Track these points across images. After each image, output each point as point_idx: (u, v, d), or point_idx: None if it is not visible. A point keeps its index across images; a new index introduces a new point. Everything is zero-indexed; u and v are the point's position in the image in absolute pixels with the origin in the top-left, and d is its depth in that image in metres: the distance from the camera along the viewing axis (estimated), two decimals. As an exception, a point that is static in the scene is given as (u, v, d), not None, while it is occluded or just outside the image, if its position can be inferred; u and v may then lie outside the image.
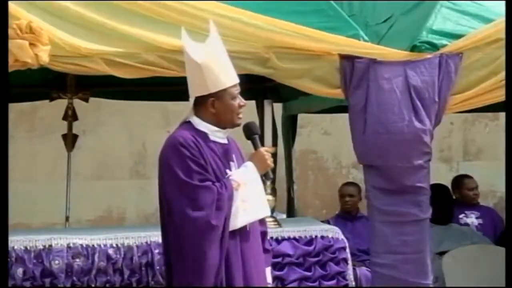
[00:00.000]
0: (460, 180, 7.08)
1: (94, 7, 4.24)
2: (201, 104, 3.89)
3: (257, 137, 3.96)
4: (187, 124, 3.92)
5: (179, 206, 3.73)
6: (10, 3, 4.08)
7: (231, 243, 3.80)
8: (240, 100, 3.91)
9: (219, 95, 3.88)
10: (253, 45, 4.36)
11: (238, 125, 3.93)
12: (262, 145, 4.07)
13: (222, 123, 3.91)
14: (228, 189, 3.77)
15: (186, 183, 3.72)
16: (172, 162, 3.77)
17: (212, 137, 3.89)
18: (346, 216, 6.75)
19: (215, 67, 3.87)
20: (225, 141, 3.95)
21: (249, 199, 3.82)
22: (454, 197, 6.91)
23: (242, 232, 3.85)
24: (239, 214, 3.79)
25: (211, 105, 3.89)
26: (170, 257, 3.83)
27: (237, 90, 3.92)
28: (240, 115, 3.91)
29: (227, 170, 3.86)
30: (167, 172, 3.79)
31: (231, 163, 3.90)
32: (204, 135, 3.87)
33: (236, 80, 3.92)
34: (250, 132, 3.98)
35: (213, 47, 3.89)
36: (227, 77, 3.89)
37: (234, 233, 3.81)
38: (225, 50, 3.91)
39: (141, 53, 4.30)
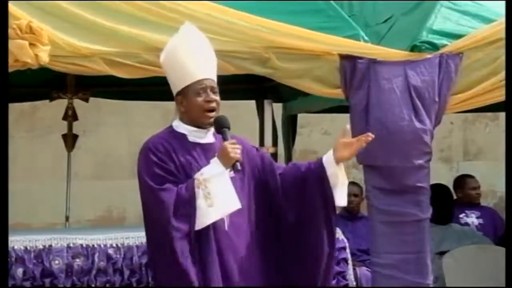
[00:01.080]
0: (462, 180, 7.11)
1: (94, 7, 4.24)
2: (176, 105, 3.92)
3: (226, 130, 3.83)
4: (168, 127, 3.94)
5: (144, 210, 3.84)
6: (10, 3, 4.08)
7: (204, 242, 3.75)
8: (206, 96, 3.84)
9: (184, 93, 3.87)
10: (253, 45, 4.36)
11: (208, 123, 3.86)
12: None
13: (193, 122, 3.87)
14: (189, 189, 3.73)
15: (149, 188, 3.76)
16: (141, 168, 3.82)
17: (191, 138, 3.87)
18: (347, 216, 6.75)
19: (176, 65, 3.88)
20: (208, 141, 3.89)
21: (213, 195, 3.72)
22: (456, 196, 6.93)
23: (218, 230, 3.79)
24: (205, 211, 3.71)
25: (180, 104, 3.89)
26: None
27: (201, 85, 3.84)
28: (209, 112, 3.83)
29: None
30: (138, 178, 3.84)
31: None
32: (182, 137, 3.86)
33: (201, 76, 3.85)
34: (218, 125, 3.86)
35: (176, 45, 3.89)
36: (189, 74, 3.85)
37: (207, 231, 3.75)
38: (198, 46, 3.88)
39: (141, 53, 4.30)
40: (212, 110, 3.85)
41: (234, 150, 3.75)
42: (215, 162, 3.78)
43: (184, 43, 3.89)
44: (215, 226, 3.78)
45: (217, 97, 3.87)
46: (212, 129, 3.92)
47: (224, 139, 3.82)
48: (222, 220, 3.80)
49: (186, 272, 3.70)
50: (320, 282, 3.99)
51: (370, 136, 3.94)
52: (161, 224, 3.74)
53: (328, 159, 4.05)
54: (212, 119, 3.85)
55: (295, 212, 3.99)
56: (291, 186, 4.02)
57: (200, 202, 3.71)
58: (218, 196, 3.73)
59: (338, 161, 4.00)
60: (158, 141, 3.84)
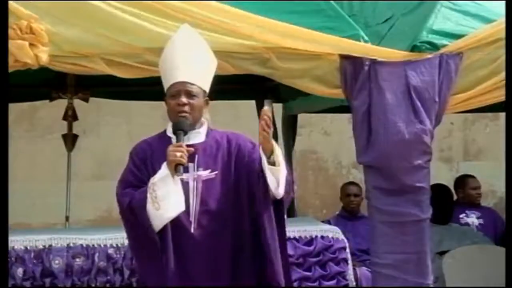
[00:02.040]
0: (463, 180, 7.12)
1: (93, 7, 4.23)
2: None
3: (179, 133, 3.81)
4: (162, 130, 4.00)
5: None
6: (10, 3, 4.08)
7: (163, 243, 3.78)
8: (178, 99, 3.84)
9: (167, 95, 3.92)
10: (253, 45, 4.35)
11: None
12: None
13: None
14: (142, 193, 3.79)
15: (116, 194, 3.99)
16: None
17: (173, 140, 3.87)
18: (347, 216, 6.75)
19: (163, 67, 3.92)
20: (192, 142, 3.86)
21: (159, 198, 3.73)
22: (456, 196, 6.94)
23: (182, 233, 3.79)
24: (153, 215, 3.75)
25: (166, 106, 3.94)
26: None
27: (175, 88, 3.86)
28: (181, 114, 3.84)
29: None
30: None
31: (190, 164, 3.83)
32: (168, 140, 3.88)
33: (178, 79, 3.85)
34: (174, 128, 3.86)
35: (167, 46, 3.92)
36: (169, 76, 3.88)
37: (165, 234, 3.78)
38: (186, 49, 3.89)
39: (141, 53, 4.30)
40: (182, 113, 3.85)
41: (174, 154, 3.72)
42: (163, 166, 3.77)
43: (173, 45, 3.92)
44: (177, 229, 3.79)
45: (193, 101, 3.85)
46: (202, 130, 3.92)
47: (178, 141, 3.81)
48: (188, 222, 3.80)
49: (151, 270, 3.82)
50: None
51: (265, 120, 3.73)
52: (124, 226, 3.95)
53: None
54: (186, 120, 3.85)
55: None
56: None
57: (149, 206, 3.76)
58: (163, 200, 3.73)
59: (264, 152, 3.81)
60: (140, 147, 3.95)
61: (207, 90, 3.95)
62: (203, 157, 3.87)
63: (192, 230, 3.80)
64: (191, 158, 3.80)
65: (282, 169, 3.77)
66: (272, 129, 3.75)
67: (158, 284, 3.80)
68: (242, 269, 3.85)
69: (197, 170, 3.85)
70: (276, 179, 3.76)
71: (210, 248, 3.81)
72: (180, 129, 3.83)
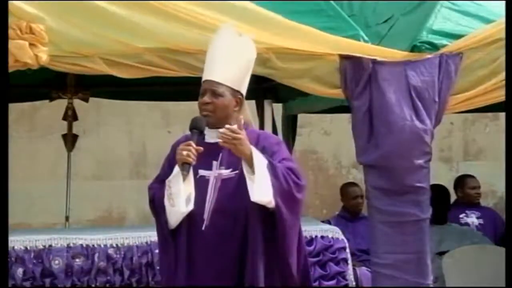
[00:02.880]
0: (463, 179, 7.13)
1: (93, 7, 4.23)
2: None
3: (193, 132, 3.84)
4: None
5: None
6: (10, 3, 4.08)
7: (177, 239, 3.83)
8: (202, 98, 3.86)
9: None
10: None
11: (208, 123, 3.87)
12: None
13: None
14: (162, 190, 3.84)
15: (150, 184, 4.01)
16: None
17: (206, 138, 3.89)
18: (348, 217, 6.75)
19: (205, 64, 3.94)
20: (217, 140, 3.84)
21: (173, 195, 3.79)
22: (456, 196, 6.94)
23: (193, 230, 3.81)
24: (169, 211, 3.82)
25: None
26: None
27: (203, 87, 3.87)
28: (203, 113, 3.85)
29: (200, 170, 3.83)
30: None
31: (214, 162, 3.84)
32: (202, 138, 3.88)
33: (209, 77, 3.87)
34: (191, 126, 3.88)
35: (208, 47, 3.93)
36: (204, 73, 3.91)
37: (180, 229, 3.83)
38: (221, 47, 3.89)
39: (141, 53, 4.30)
40: (205, 111, 3.86)
41: (181, 152, 3.75)
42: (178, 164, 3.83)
43: (211, 45, 3.93)
44: (190, 226, 3.82)
45: (217, 100, 3.85)
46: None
47: (192, 140, 3.81)
48: (201, 220, 3.80)
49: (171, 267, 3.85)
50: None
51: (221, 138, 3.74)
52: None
53: None
54: (209, 119, 3.86)
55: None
56: None
57: (166, 202, 3.82)
58: (176, 197, 3.79)
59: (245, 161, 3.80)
60: (178, 141, 3.93)
61: (241, 89, 3.91)
62: (228, 156, 3.85)
63: (203, 228, 3.81)
64: (215, 156, 3.83)
65: (257, 177, 3.70)
66: (238, 139, 3.70)
67: (168, 279, 3.85)
68: (248, 271, 3.80)
69: (219, 169, 3.85)
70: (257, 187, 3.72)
71: (218, 247, 3.81)
72: (195, 128, 3.85)
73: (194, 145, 3.77)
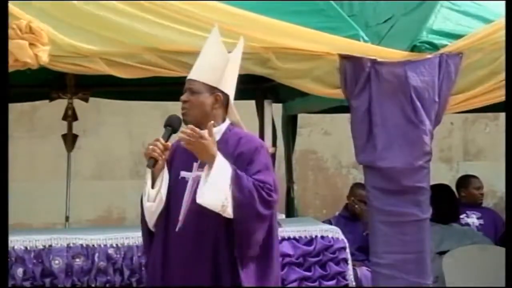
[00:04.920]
0: (466, 180, 7.13)
1: (93, 7, 4.24)
2: None
3: (168, 128, 3.88)
4: None
5: None
6: (10, 3, 4.08)
7: (155, 243, 3.90)
8: (182, 96, 3.90)
9: None
10: (253, 45, 4.35)
11: (184, 120, 3.89)
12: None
13: None
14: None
15: None
16: None
17: None
18: (349, 217, 6.73)
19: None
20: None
21: (146, 195, 3.91)
22: (458, 196, 6.93)
23: (168, 230, 3.84)
24: (144, 207, 3.93)
25: None
26: None
27: (187, 85, 3.89)
28: (182, 111, 3.88)
29: (181, 172, 3.85)
30: None
31: (194, 163, 3.83)
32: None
33: (189, 76, 3.91)
34: (165, 123, 3.93)
35: (206, 45, 3.94)
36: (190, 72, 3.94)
37: (156, 232, 3.91)
38: (206, 48, 3.91)
39: (141, 53, 4.30)
40: (183, 110, 3.89)
41: (148, 147, 3.84)
42: None
43: (209, 43, 3.95)
44: (167, 226, 3.86)
45: (192, 97, 3.86)
46: (221, 125, 3.90)
47: (164, 137, 3.87)
48: (176, 220, 3.81)
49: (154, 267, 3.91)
50: None
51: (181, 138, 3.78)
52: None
53: None
54: (186, 118, 3.88)
55: None
56: None
57: (143, 198, 3.92)
58: (144, 193, 3.91)
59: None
60: (176, 143, 3.93)
61: (220, 86, 3.89)
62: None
63: (176, 229, 3.81)
64: (196, 157, 3.80)
65: (209, 181, 3.69)
66: (201, 139, 3.71)
67: (148, 279, 3.96)
68: (220, 271, 3.80)
69: (198, 170, 3.82)
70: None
71: (193, 249, 3.80)
72: (169, 125, 3.90)
73: (162, 141, 3.82)
